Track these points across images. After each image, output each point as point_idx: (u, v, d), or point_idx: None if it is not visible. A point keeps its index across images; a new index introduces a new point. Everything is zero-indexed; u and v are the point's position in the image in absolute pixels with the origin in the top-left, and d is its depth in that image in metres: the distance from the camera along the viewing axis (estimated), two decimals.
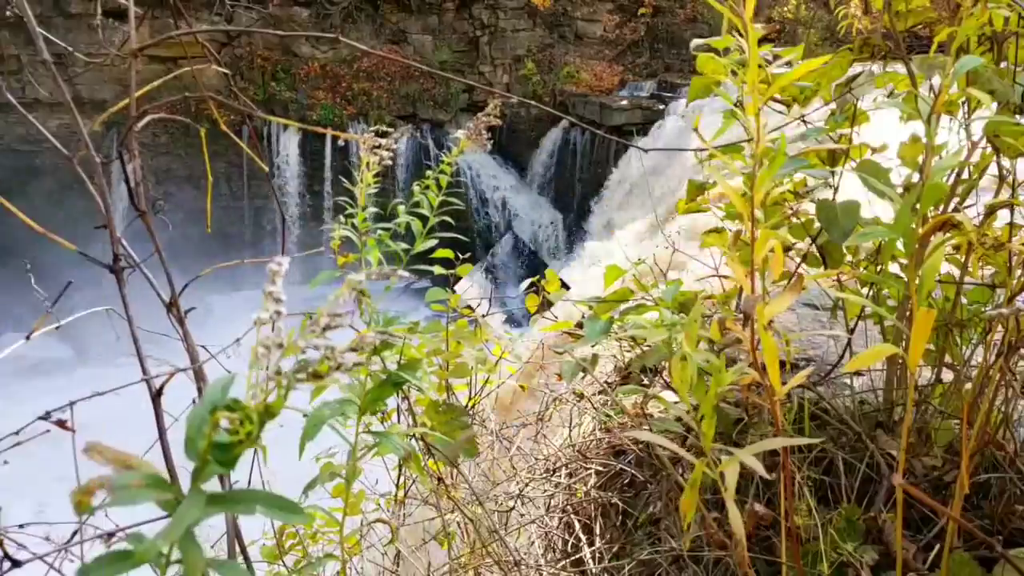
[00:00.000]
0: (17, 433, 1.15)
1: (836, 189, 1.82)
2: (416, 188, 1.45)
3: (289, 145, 22.28)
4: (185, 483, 1.10)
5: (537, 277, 2.76)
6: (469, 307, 2.61)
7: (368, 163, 1.32)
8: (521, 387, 3.56)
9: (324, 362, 0.61)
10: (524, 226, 21.44)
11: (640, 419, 2.72)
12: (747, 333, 1.06)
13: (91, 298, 1.80)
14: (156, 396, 1.19)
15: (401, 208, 1.44)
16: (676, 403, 1.21)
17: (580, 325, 2.28)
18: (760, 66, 2.15)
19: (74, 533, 1.28)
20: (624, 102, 20.01)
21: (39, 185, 21.13)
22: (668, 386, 2.70)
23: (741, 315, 1.04)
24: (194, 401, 1.29)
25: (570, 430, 3.10)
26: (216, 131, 1.84)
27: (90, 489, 0.55)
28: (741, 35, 1.81)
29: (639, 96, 20.79)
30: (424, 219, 1.46)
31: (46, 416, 1.11)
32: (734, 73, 1.93)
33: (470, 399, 3.00)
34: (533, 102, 2.20)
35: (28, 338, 1.75)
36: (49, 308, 1.81)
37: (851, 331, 1.91)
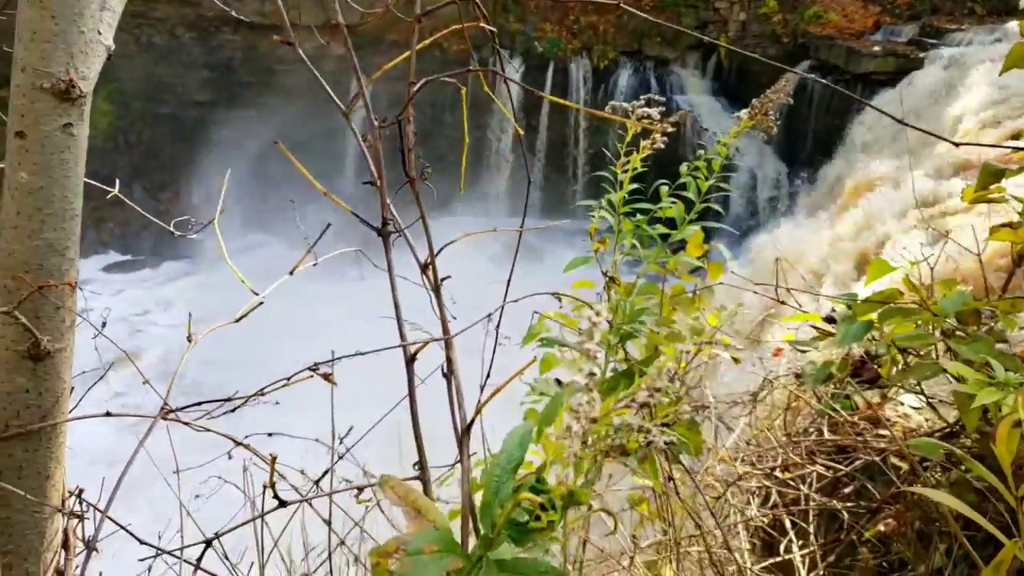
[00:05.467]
0: (289, 380, 1.22)
1: None
2: (684, 168, 1.34)
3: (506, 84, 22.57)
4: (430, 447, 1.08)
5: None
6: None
7: (633, 142, 1.23)
8: (735, 360, 3.39)
9: (633, 440, 0.56)
10: (742, 177, 20.30)
11: (874, 421, 2.47)
12: None
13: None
14: (409, 361, 1.21)
15: (664, 190, 1.34)
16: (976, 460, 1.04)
17: (830, 319, 2.07)
18: None
19: (324, 474, 1.37)
20: (876, 47, 17.94)
21: (289, 101, 23.27)
22: (910, 390, 2.41)
23: None
24: (442, 369, 1.31)
25: (785, 412, 2.89)
26: (446, 59, 1.88)
27: (387, 552, 0.55)
28: None
29: (895, 41, 18.53)
30: (689, 204, 1.36)
31: (314, 368, 1.17)
32: None
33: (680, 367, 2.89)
34: (757, 55, 1.96)
35: (291, 273, 1.88)
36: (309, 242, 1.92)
37: None
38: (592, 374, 0.57)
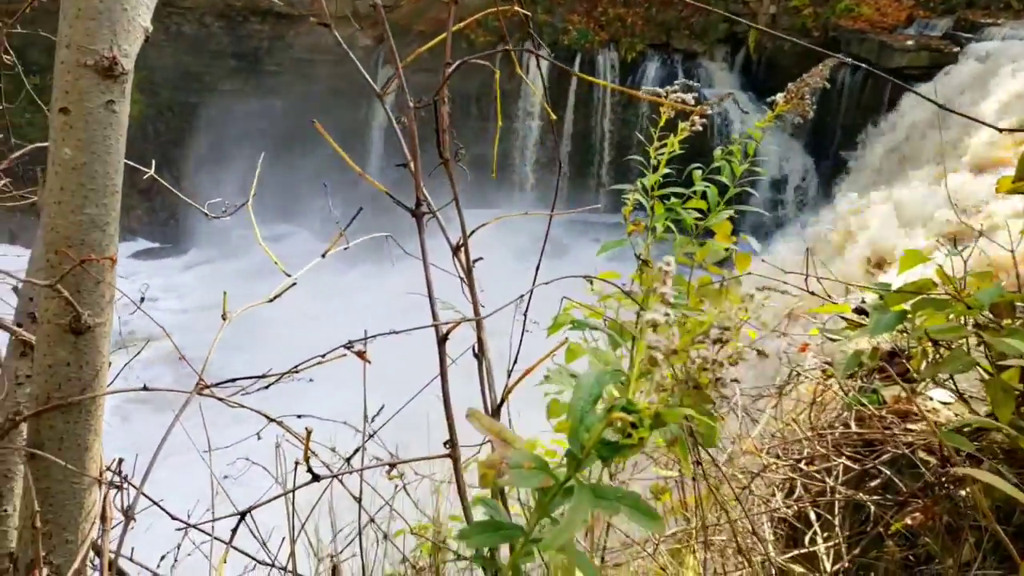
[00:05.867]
0: (323, 356, 1.24)
1: None
2: (718, 152, 1.33)
3: (539, 67, 22.53)
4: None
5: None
6: None
7: (670, 123, 1.23)
8: (759, 353, 3.36)
9: (704, 374, 0.60)
10: (770, 170, 20.09)
11: (902, 415, 2.44)
12: None
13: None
14: (442, 341, 1.22)
15: (698, 174, 1.34)
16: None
17: (859, 310, 2.05)
18: None
19: (355, 452, 1.39)
20: (909, 42, 17.63)
21: (313, 91, 23.42)
22: (940, 384, 2.38)
23: None
24: (473, 349, 1.32)
25: (811, 407, 2.88)
26: (473, 50, 1.87)
27: (493, 464, 0.60)
28: None
29: (928, 35, 18.21)
30: (723, 188, 1.35)
31: (349, 346, 1.18)
32: None
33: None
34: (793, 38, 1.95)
35: (324, 256, 1.90)
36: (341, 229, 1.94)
37: None
38: (668, 314, 0.61)
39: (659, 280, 0.63)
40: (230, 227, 23.61)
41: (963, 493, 1.96)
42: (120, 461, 1.32)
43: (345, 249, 1.85)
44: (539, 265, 1.95)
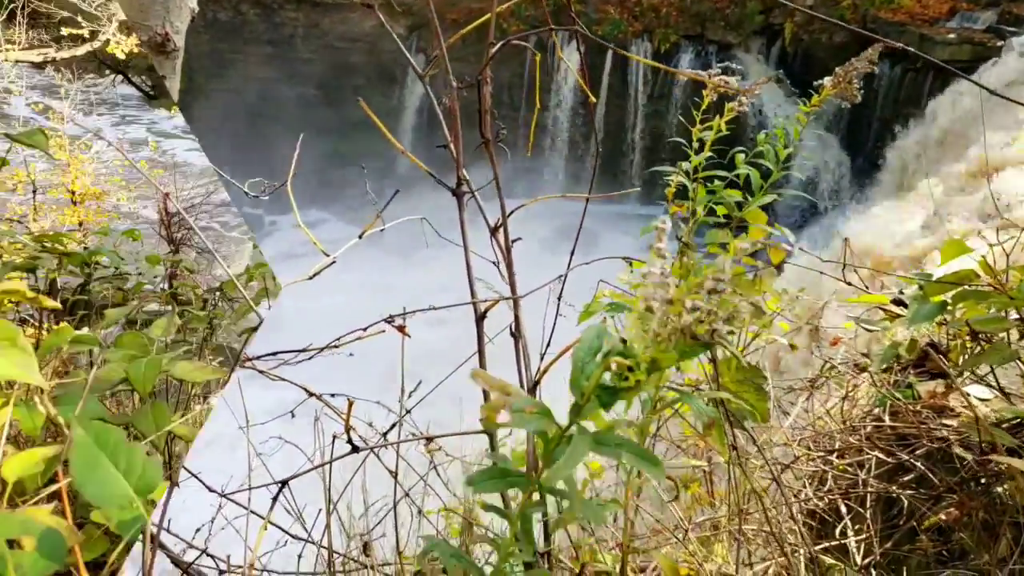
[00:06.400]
0: (365, 330, 1.26)
1: None
2: (761, 137, 1.33)
3: (570, 58, 22.46)
4: None
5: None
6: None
7: (714, 103, 1.22)
8: (791, 346, 3.35)
9: (700, 325, 0.61)
10: (803, 164, 19.79)
11: (938, 409, 2.41)
12: None
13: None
14: (480, 319, 1.24)
15: (740, 157, 1.34)
16: None
17: (898, 301, 2.03)
18: None
19: (392, 426, 1.41)
20: (951, 35, 17.26)
21: (349, 80, 23.57)
22: (978, 380, 2.34)
23: None
24: (510, 328, 1.33)
25: (843, 401, 2.85)
26: (503, 39, 1.88)
27: (496, 407, 0.61)
28: None
29: (971, 28, 17.80)
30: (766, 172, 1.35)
31: (389, 320, 1.20)
32: None
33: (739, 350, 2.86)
34: (838, 22, 1.92)
35: (361, 236, 1.92)
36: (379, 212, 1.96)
37: None
38: (664, 269, 0.63)
39: (656, 238, 0.65)
40: (262, 213, 23.90)
41: (1000, 489, 1.94)
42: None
43: (381, 231, 1.88)
44: (574, 248, 1.95)
